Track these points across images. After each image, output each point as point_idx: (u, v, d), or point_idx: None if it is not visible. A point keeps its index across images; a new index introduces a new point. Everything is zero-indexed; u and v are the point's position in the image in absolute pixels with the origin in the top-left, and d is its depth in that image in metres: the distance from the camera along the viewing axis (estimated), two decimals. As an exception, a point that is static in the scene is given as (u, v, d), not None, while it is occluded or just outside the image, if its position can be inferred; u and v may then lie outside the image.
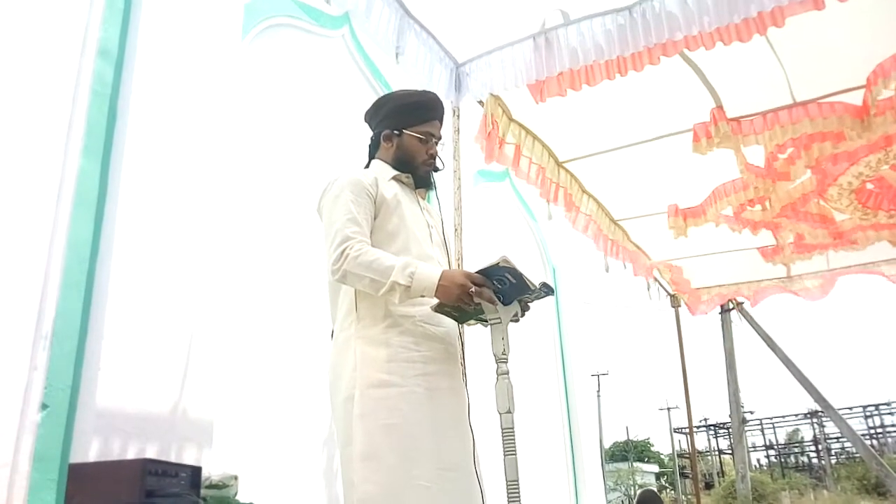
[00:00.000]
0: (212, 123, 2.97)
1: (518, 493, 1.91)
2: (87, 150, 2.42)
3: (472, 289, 1.99)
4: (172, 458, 2.40)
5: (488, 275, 2.02)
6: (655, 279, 7.54)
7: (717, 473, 37.03)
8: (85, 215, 2.37)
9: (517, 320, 2.14)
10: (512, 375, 2.03)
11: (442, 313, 2.11)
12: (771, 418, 38.31)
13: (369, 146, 2.45)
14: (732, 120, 4.54)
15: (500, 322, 2.06)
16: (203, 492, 1.96)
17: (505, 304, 2.07)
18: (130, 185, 2.51)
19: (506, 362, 2.03)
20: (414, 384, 2.03)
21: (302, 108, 3.85)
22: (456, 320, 2.18)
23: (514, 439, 1.96)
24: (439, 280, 1.99)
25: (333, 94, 4.11)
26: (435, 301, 2.05)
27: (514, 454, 1.95)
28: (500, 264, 2.00)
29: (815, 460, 36.26)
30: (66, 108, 2.45)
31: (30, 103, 2.36)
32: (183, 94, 2.84)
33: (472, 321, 2.21)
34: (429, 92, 2.46)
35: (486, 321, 2.09)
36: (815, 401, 11.55)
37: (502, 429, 1.97)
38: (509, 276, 2.02)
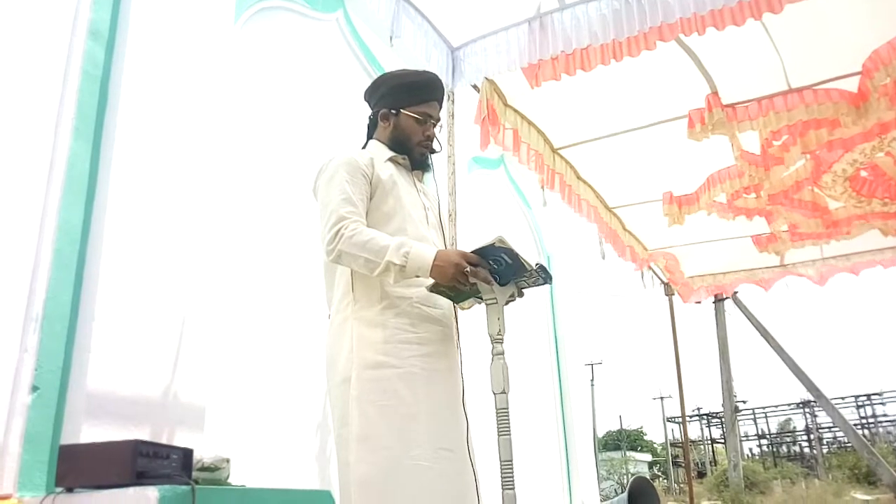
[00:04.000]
0: (204, 106, 2.94)
1: (512, 473, 1.90)
2: (77, 132, 2.41)
3: (468, 268, 1.97)
4: (164, 442, 2.39)
5: (484, 255, 2.00)
6: (650, 268, 7.55)
7: (710, 462, 37.27)
8: (76, 197, 2.36)
9: (513, 299, 2.13)
10: (506, 358, 2.02)
11: (437, 293, 2.09)
12: (763, 408, 38.57)
13: (368, 125, 2.42)
14: (728, 106, 4.53)
15: (496, 302, 2.04)
16: (195, 474, 1.95)
17: (501, 284, 2.05)
18: (122, 167, 2.48)
19: (501, 343, 2.02)
20: (410, 365, 2.03)
21: (295, 92, 3.82)
22: (451, 300, 2.16)
23: (508, 420, 1.94)
24: (434, 260, 1.98)
25: (327, 78, 4.08)
26: (430, 281, 2.04)
27: (509, 434, 1.93)
28: (496, 244, 1.98)
29: (806, 449, 36.49)
30: (56, 90, 2.43)
31: (20, 85, 2.33)
32: (175, 76, 2.81)
33: (467, 302, 2.20)
34: (428, 72, 2.42)
35: (482, 301, 2.08)
36: (808, 390, 11.63)
37: (497, 409, 1.95)
38: (505, 257, 2.00)
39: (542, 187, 5.16)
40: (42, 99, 2.38)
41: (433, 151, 2.37)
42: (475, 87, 4.37)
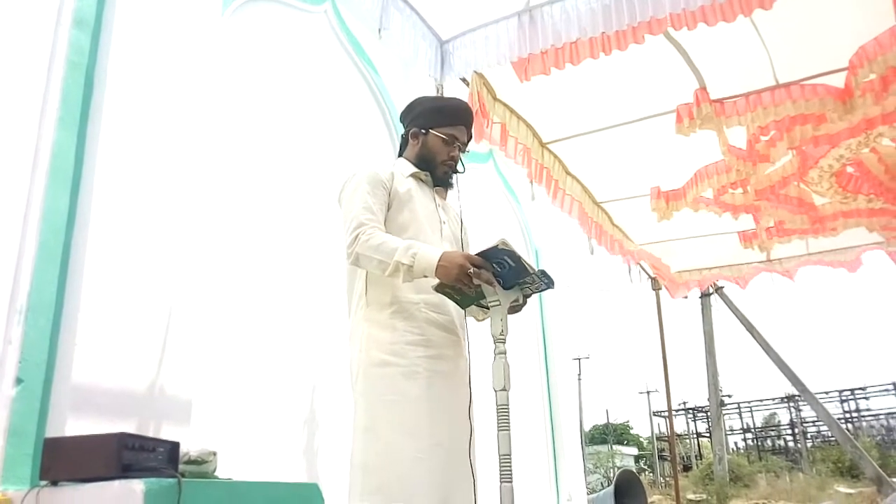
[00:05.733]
0: (190, 97, 2.91)
1: (510, 467, 1.95)
2: (62, 122, 2.38)
3: (471, 269, 2.03)
4: (150, 435, 2.37)
5: (487, 257, 2.05)
6: (637, 263, 7.57)
7: (696, 456, 37.54)
8: (61, 187, 2.33)
9: (518, 309, 2.21)
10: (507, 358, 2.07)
11: (443, 293, 2.15)
12: (749, 402, 38.94)
13: (400, 144, 2.61)
14: (716, 101, 4.54)
15: (499, 304, 2.09)
16: (181, 467, 1.93)
17: (505, 288, 2.11)
18: (107, 156, 2.46)
19: (504, 342, 2.08)
20: (415, 364, 2.15)
21: (283, 84, 3.79)
22: (458, 304, 2.23)
23: (508, 415, 2.00)
24: (439, 260, 2.06)
25: (315, 70, 4.05)
26: (436, 281, 2.11)
27: (508, 430, 1.99)
28: (499, 247, 2.03)
29: (791, 443, 36.85)
30: (41, 79, 2.40)
31: (3, 74, 2.30)
32: (161, 66, 2.78)
33: (481, 313, 2.30)
34: (460, 100, 2.67)
35: (486, 305, 2.12)
36: (793, 385, 11.71)
37: (497, 405, 2.02)
38: (508, 260, 2.04)
39: (531, 182, 5.16)
40: (26, 88, 2.35)
41: (456, 172, 2.51)
42: (464, 80, 4.36)
